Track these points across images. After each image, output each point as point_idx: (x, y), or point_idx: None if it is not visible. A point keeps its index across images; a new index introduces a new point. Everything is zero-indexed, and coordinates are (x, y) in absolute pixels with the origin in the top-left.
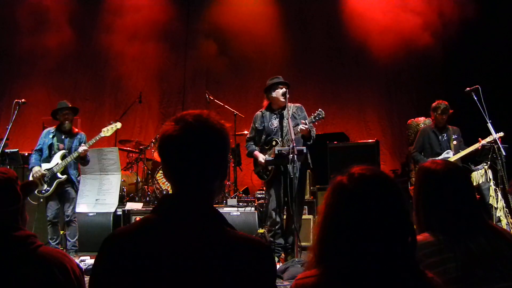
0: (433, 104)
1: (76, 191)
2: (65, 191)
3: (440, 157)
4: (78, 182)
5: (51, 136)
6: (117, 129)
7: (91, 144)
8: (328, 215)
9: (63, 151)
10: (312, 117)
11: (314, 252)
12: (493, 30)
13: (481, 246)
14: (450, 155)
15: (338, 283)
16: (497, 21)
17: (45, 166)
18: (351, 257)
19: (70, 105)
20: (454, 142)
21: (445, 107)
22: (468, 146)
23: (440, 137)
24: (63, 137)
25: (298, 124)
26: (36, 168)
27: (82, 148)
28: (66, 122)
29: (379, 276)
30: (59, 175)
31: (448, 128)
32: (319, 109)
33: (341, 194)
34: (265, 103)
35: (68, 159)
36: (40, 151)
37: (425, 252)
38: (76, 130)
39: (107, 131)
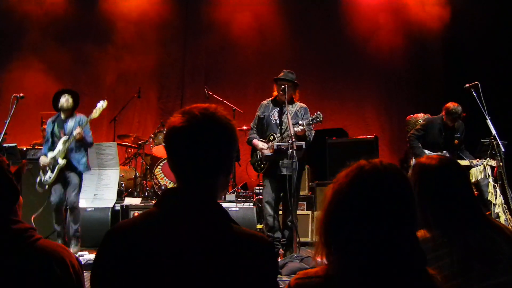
0: (450, 106)
1: (80, 176)
2: (67, 176)
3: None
4: (84, 165)
5: (52, 123)
6: (104, 108)
7: (82, 126)
8: (339, 200)
9: (65, 137)
10: (310, 119)
11: (320, 244)
12: (493, 26)
13: (478, 240)
14: None
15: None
16: (498, 17)
17: (51, 154)
18: (356, 253)
19: (68, 89)
20: (456, 141)
21: (459, 114)
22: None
23: (444, 133)
24: (63, 123)
25: (297, 123)
26: (42, 158)
27: (75, 132)
28: (65, 106)
29: (384, 276)
30: (59, 160)
31: (454, 124)
32: (318, 112)
33: (360, 177)
34: (275, 93)
35: (67, 144)
36: (48, 141)
37: (425, 248)
38: (78, 114)
39: (95, 112)
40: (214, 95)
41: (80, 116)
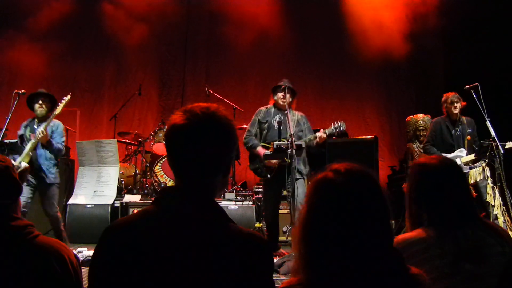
0: (444, 96)
1: (50, 185)
2: (39, 186)
3: (452, 155)
4: (54, 176)
5: (24, 127)
6: (66, 101)
7: (46, 125)
8: (312, 212)
9: (33, 140)
10: (333, 127)
11: (299, 254)
12: (494, 27)
13: (470, 242)
14: (464, 154)
15: None
16: (499, 17)
17: (18, 159)
18: (336, 259)
19: (44, 92)
20: (468, 137)
21: (453, 98)
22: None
23: (453, 131)
24: (35, 126)
25: (302, 130)
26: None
27: (38, 130)
28: (39, 110)
29: (364, 279)
30: (22, 163)
31: (462, 120)
32: (341, 121)
33: (327, 189)
34: (271, 101)
35: (29, 146)
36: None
37: (416, 249)
38: (54, 119)
39: (59, 108)
40: (215, 94)
41: (54, 121)
